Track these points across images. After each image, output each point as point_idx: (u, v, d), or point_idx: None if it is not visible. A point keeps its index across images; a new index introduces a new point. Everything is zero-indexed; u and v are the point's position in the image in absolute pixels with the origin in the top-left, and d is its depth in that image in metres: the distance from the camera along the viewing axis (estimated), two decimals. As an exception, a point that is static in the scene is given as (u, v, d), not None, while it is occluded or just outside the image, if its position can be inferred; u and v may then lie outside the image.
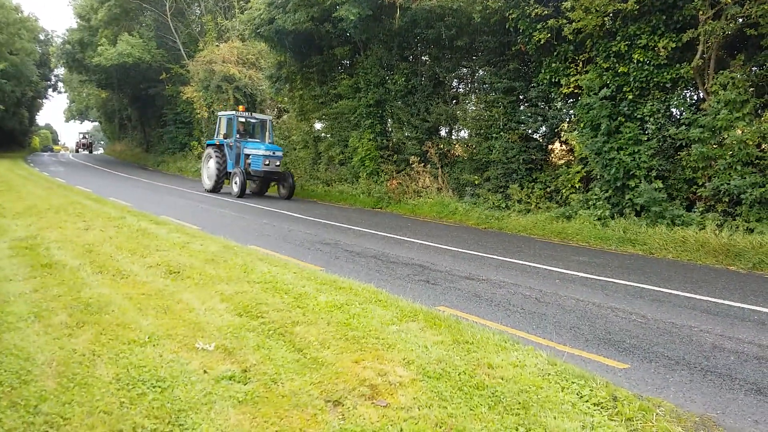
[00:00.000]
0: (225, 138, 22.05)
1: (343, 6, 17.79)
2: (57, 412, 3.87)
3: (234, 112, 22.20)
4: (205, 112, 32.71)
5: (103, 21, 37.68)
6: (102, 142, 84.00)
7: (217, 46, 32.52)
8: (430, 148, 18.80)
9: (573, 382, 4.64)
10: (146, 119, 47.93)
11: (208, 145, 23.32)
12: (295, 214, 16.71)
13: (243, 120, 22.70)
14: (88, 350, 4.93)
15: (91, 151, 77.47)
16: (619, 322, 6.83)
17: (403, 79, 19.63)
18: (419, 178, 18.87)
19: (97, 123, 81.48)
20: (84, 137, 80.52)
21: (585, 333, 6.40)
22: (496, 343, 5.42)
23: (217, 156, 22.08)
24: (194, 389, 4.29)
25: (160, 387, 4.31)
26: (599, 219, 13.35)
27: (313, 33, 21.14)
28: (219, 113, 23.73)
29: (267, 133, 22.45)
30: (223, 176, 22.09)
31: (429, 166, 18.92)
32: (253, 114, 23.19)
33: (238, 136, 21.96)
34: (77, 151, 77.07)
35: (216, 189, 22.37)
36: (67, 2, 49.27)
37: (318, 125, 25.65)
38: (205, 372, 4.61)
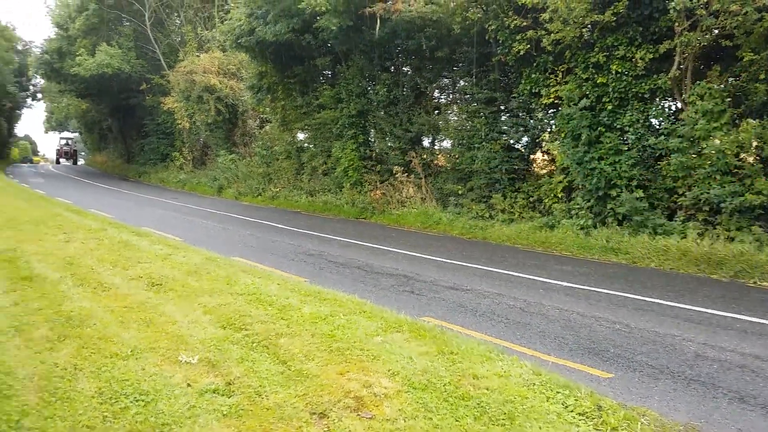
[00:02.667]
0: None
1: (324, 16, 17.81)
2: (39, 427, 3.82)
3: None
4: (186, 123, 32.51)
5: (81, 30, 37.29)
6: (83, 153, 77.01)
7: (197, 56, 32.37)
8: (413, 158, 18.84)
9: (558, 392, 4.66)
10: (127, 130, 47.50)
11: None
12: (279, 225, 16.65)
13: None
14: (70, 364, 4.87)
15: (75, 162, 65.97)
16: (602, 332, 6.87)
17: (384, 90, 19.67)
18: (403, 188, 18.89)
19: (77, 134, 76.63)
20: (66, 144, 66.93)
21: (569, 342, 6.43)
22: (481, 353, 5.42)
23: None
24: (178, 403, 4.25)
25: (143, 401, 4.26)
26: (582, 228, 13.44)
27: (293, 44, 21.11)
28: None
29: None
30: None
31: (412, 176, 18.94)
32: None
33: None
34: (58, 162, 65.72)
35: None
36: (45, 12, 49.03)
37: (301, 135, 25.59)
38: (188, 385, 4.57)
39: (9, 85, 49.55)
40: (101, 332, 5.69)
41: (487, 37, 15.71)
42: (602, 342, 6.47)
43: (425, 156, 19.15)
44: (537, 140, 16.21)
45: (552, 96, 14.87)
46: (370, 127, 20.91)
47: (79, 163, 67.27)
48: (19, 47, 56.09)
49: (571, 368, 5.61)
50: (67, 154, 65.72)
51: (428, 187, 18.46)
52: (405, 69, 20.53)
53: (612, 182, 13.25)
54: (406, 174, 18.93)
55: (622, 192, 12.98)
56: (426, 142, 20.03)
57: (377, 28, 17.73)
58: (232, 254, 10.98)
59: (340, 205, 20.59)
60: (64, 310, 6.35)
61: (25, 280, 7.71)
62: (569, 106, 14.13)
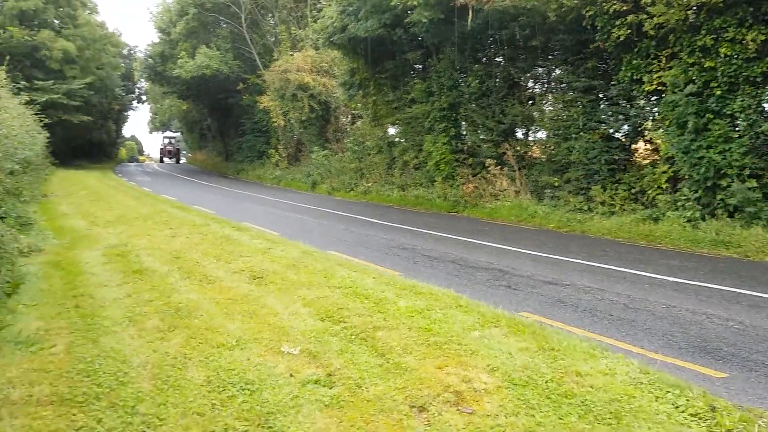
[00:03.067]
0: None
1: (415, 10, 17.81)
2: (153, 413, 4.01)
3: None
4: (281, 121, 33.40)
5: (181, 34, 39.13)
6: (185, 152, 78.77)
7: (291, 55, 33.16)
8: (506, 150, 18.51)
9: (667, 392, 4.45)
10: (225, 129, 49.34)
11: None
12: (372, 220, 16.81)
13: None
14: (180, 353, 5.09)
15: (178, 161, 66.01)
16: (714, 329, 6.50)
17: (476, 82, 19.43)
18: (496, 181, 18.61)
19: (179, 133, 79.46)
20: (170, 143, 67.63)
21: (678, 340, 6.12)
22: (584, 350, 5.26)
23: None
24: (282, 392, 4.36)
25: (249, 390, 4.40)
26: (689, 221, 12.77)
27: (385, 39, 21.24)
28: None
29: None
30: None
31: (506, 168, 18.62)
32: None
33: None
34: (162, 161, 66.43)
35: None
36: (148, 18, 51.51)
37: (392, 130, 25.72)
38: (291, 375, 4.69)
39: (116, 89, 52.70)
40: (208, 323, 5.92)
41: (584, 24, 15.19)
42: (714, 340, 6.12)
43: (519, 148, 18.77)
44: (639, 129, 15.52)
45: (655, 82, 14.18)
46: (462, 120, 20.72)
47: (181, 161, 68.03)
48: (125, 52, 59.53)
49: (680, 367, 5.34)
50: (171, 153, 66.53)
51: (522, 180, 18.10)
52: (497, 59, 20.19)
53: (722, 172, 12.51)
54: (499, 167, 18.63)
55: (733, 182, 12.24)
56: (519, 134, 19.61)
57: (469, 20, 17.52)
58: (328, 248, 11.17)
59: (431, 199, 20.54)
60: (172, 302, 6.67)
61: (136, 273, 8.16)
62: (674, 92, 13.44)
